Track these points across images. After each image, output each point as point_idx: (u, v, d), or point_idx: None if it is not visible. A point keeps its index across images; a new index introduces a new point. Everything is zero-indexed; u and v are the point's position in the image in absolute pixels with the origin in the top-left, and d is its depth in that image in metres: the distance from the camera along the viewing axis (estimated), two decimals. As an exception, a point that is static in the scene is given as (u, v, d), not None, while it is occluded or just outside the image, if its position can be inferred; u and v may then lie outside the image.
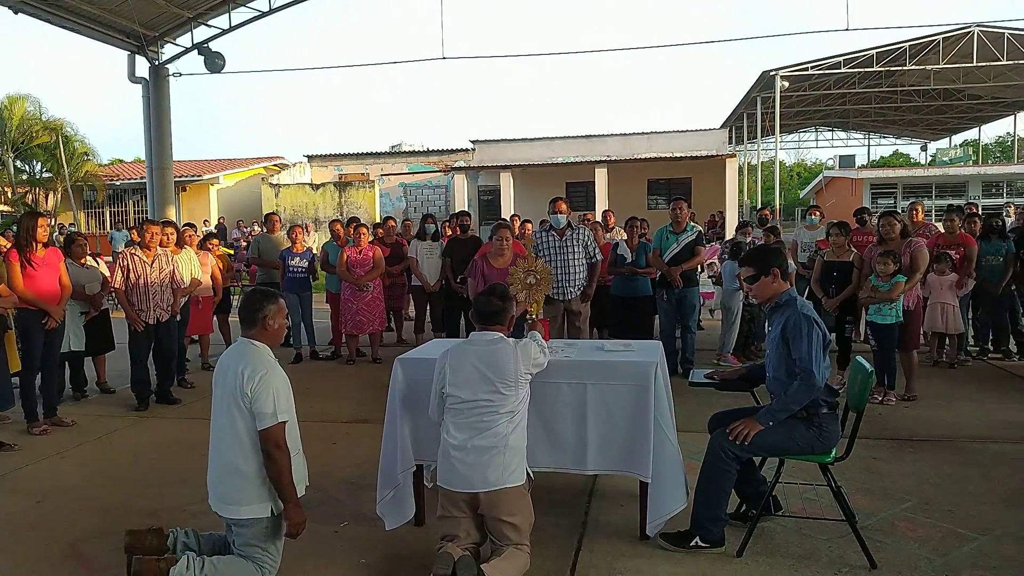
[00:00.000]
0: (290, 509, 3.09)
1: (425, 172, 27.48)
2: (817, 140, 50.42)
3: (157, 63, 16.22)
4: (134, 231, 14.02)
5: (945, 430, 5.36)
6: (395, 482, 3.77)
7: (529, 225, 9.99)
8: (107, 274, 7.07)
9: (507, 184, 23.92)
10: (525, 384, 3.26)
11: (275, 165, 28.13)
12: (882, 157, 55.93)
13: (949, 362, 7.36)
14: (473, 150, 26.54)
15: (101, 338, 7.13)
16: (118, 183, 25.27)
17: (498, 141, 26.21)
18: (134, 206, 25.16)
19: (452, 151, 27.54)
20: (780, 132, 28.74)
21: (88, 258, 6.96)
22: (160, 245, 6.71)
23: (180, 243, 7.40)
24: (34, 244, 5.80)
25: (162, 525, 3.39)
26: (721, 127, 29.07)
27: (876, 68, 25.51)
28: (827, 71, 26.60)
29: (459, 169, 24.90)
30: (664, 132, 25.60)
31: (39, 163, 23.74)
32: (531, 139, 26.00)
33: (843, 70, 26.04)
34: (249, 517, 3.11)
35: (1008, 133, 47.78)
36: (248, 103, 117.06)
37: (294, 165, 27.84)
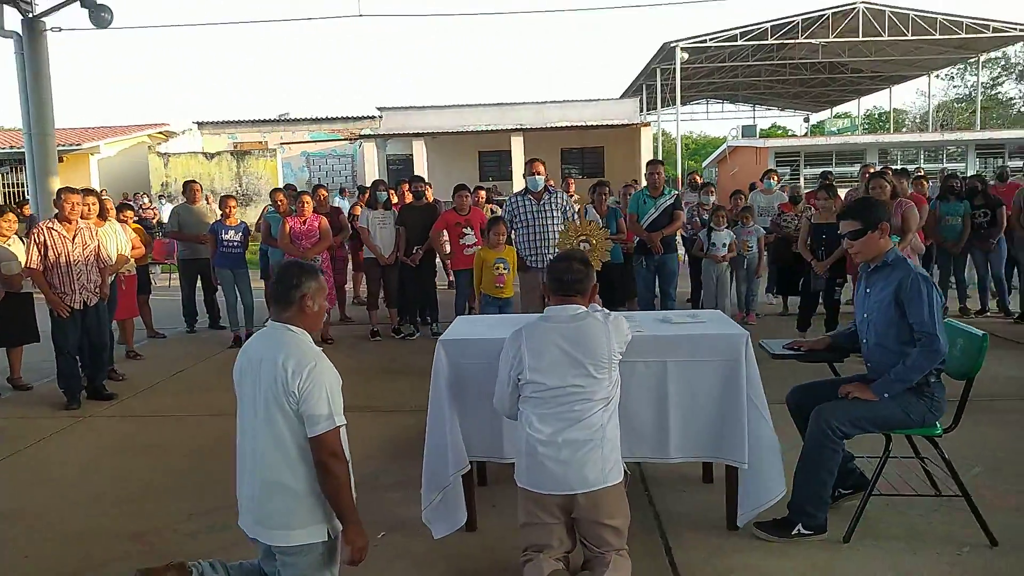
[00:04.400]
0: (351, 530, 2.50)
1: (329, 140, 26.14)
2: (708, 112, 52.02)
3: (31, 15, 14.31)
4: None
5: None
6: (444, 483, 3.25)
7: (482, 192, 9.41)
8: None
9: (420, 152, 23.12)
10: (617, 365, 2.81)
11: (161, 133, 25.88)
12: (762, 130, 58.34)
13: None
14: (380, 117, 25.48)
15: (20, 326, 6.09)
16: (-22, 153, 22.52)
17: (406, 108, 25.30)
18: (3, 178, 22.52)
19: (357, 118, 26.30)
20: (668, 104, 29.25)
21: (12, 236, 5.91)
22: (80, 217, 5.75)
23: (103, 215, 6.41)
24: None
25: (183, 559, 2.72)
26: (621, 97, 29.27)
27: (770, 40, 26.24)
28: (724, 43, 27.13)
29: (367, 137, 23.79)
30: (577, 101, 25.51)
31: None
32: (441, 106, 25.26)
33: (740, 42, 26.62)
34: (302, 543, 2.50)
35: (875, 106, 50.97)
36: (127, 65, 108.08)
37: (183, 133, 25.72)
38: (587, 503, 2.69)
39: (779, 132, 59.45)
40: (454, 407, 3.26)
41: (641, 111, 26.22)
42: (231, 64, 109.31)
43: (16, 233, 6.25)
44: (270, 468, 2.48)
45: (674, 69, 26.69)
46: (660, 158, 22.88)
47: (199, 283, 8.58)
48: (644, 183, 7.71)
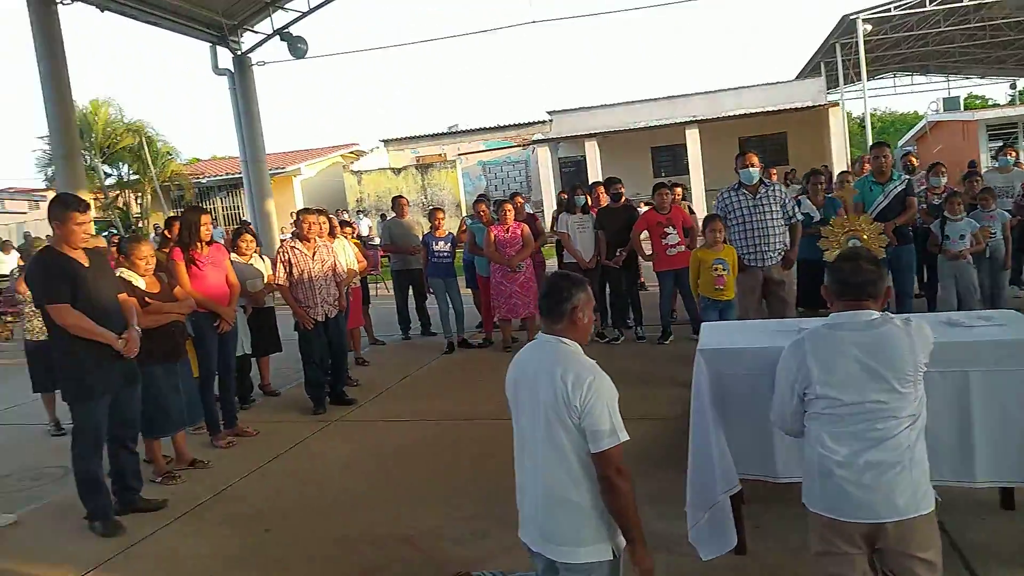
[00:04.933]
0: (637, 549, 2.43)
1: (503, 148, 26.77)
2: (896, 87, 47.74)
3: (240, 52, 15.86)
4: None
5: None
6: (712, 502, 3.12)
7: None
8: (270, 271, 6.63)
9: (592, 153, 23.04)
10: (922, 378, 2.53)
11: (352, 152, 27.83)
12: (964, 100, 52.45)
13: None
14: (551, 121, 25.71)
15: (268, 339, 6.70)
16: (204, 181, 25.33)
17: (576, 110, 25.34)
18: (221, 203, 25.19)
19: (529, 124, 26.73)
20: (859, 79, 26.90)
21: (253, 254, 6.53)
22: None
23: (332, 232, 6.90)
24: (199, 242, 5.35)
25: (465, 568, 2.81)
26: (797, 78, 27.45)
27: (965, 2, 23.51)
28: (911, 10, 24.64)
29: (540, 142, 24.08)
30: (753, 86, 24.28)
31: (126, 165, 23.91)
32: (611, 105, 25.05)
33: (929, 8, 24.06)
34: (590, 561, 2.47)
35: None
36: (314, 91, 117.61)
37: (371, 151, 27.48)
38: (896, 533, 2.44)
39: (978, 103, 53.36)
40: (719, 421, 3.12)
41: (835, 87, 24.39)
42: (409, 81, 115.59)
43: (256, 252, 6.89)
44: (554, 483, 2.48)
45: (856, 43, 24.76)
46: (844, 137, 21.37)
47: (410, 292, 9.03)
48: (837, 170, 7.03)
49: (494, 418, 5.58)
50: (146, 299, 4.54)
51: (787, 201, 6.02)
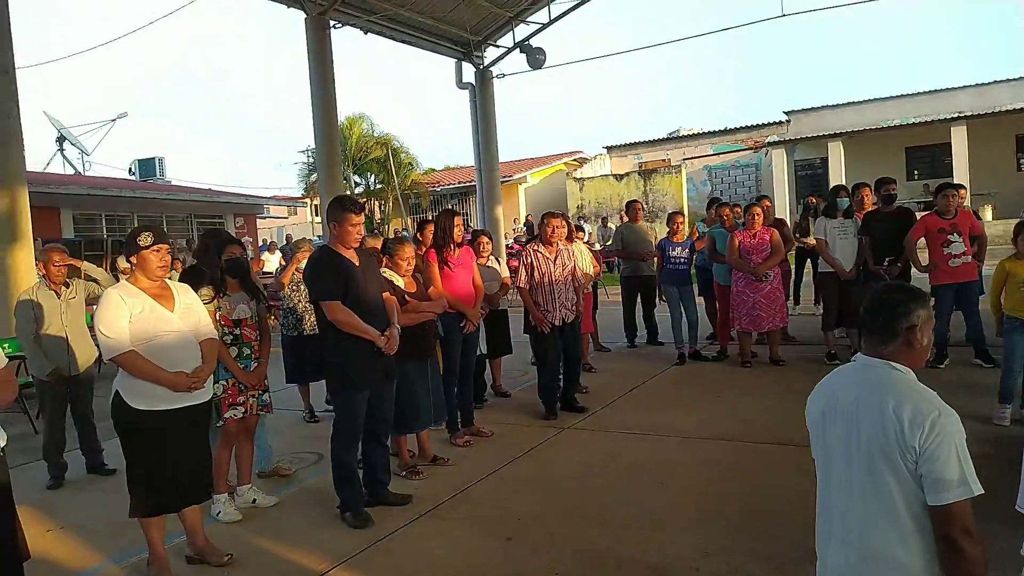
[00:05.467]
0: None
1: (732, 152, 25.53)
2: None
3: (482, 66, 16.54)
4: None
5: None
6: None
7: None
8: (505, 273, 6.69)
9: (836, 155, 21.23)
10: None
11: (575, 160, 28.12)
12: None
13: None
14: (788, 122, 24.07)
15: (501, 340, 6.76)
16: (438, 189, 26.97)
17: (818, 109, 23.49)
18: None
19: (762, 126, 25.25)
20: None
21: (489, 257, 6.62)
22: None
23: (570, 236, 6.80)
24: (451, 244, 5.46)
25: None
26: None
27: None
28: None
29: (775, 144, 22.61)
30: (1039, 75, 20.87)
31: (372, 175, 26.09)
32: (858, 102, 22.88)
33: None
34: None
35: None
36: (540, 100, 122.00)
37: (594, 158, 27.55)
38: None
39: None
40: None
41: None
42: (635, 86, 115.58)
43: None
44: (876, 538, 2.02)
45: None
46: None
47: (639, 299, 8.73)
48: None
49: (737, 439, 5.14)
50: (405, 298, 4.67)
51: None
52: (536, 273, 5.94)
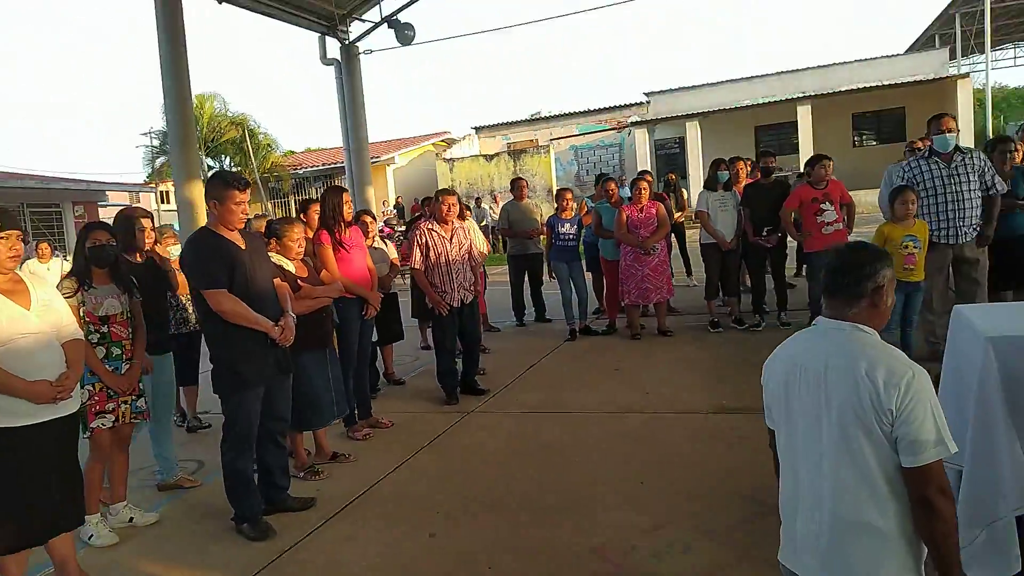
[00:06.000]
0: None
1: (596, 132, 26.11)
2: (1016, 59, 44.21)
3: (348, 42, 15.80)
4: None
5: None
6: (991, 519, 2.55)
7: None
8: (394, 254, 6.35)
9: (694, 134, 22.13)
10: None
11: (443, 140, 27.77)
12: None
13: None
14: (648, 103, 24.86)
15: (392, 326, 6.43)
16: (301, 172, 25.76)
17: (676, 90, 24.38)
18: (317, 193, 25.55)
19: (624, 107, 25.97)
20: (979, 52, 24.84)
21: (375, 237, 6.25)
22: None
23: (461, 215, 6.54)
24: (342, 223, 5.06)
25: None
26: (907, 52, 25.57)
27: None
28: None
29: (637, 124, 23.31)
30: (869, 59, 22.74)
31: (228, 158, 24.53)
32: (713, 83, 23.96)
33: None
34: None
35: None
36: (407, 79, 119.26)
37: (462, 138, 27.32)
38: None
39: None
40: (1011, 424, 2.54)
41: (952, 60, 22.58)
42: (501, 67, 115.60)
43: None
44: (850, 504, 1.95)
45: (976, 12, 22.86)
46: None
47: (526, 277, 8.63)
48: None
49: (644, 411, 5.14)
50: (298, 283, 4.26)
51: (986, 171, 5.27)
52: (432, 253, 5.66)
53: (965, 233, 5.26)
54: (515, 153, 24.31)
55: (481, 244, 6.76)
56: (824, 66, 22.74)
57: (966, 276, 5.40)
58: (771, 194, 7.05)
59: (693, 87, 24.07)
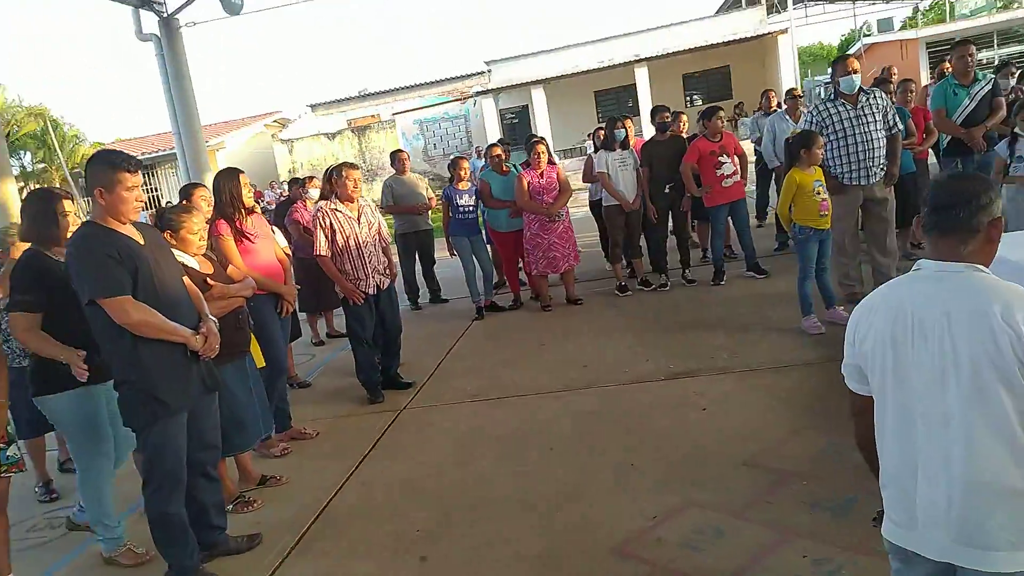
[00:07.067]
0: None
1: (441, 103, 25.51)
2: (808, 16, 48.38)
3: (166, 14, 14.14)
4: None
5: None
6: None
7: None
8: (283, 243, 5.60)
9: (540, 101, 22.21)
10: None
11: (276, 121, 26.02)
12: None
13: None
14: (489, 71, 24.59)
15: (292, 321, 5.69)
16: (118, 163, 23.11)
17: (516, 58, 24.25)
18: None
19: (466, 76, 25.56)
20: (774, 10, 26.87)
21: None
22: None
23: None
24: (242, 210, 4.32)
25: None
26: (717, 13, 27.19)
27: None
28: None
29: (482, 93, 23.01)
30: (691, 20, 23.75)
31: (28, 153, 21.55)
32: (551, 50, 24.06)
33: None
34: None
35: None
36: (231, 56, 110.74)
37: (298, 118, 25.76)
38: None
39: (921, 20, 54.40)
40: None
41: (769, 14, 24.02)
42: (332, 42, 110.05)
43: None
44: (987, 466, 1.72)
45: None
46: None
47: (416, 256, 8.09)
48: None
49: (594, 385, 4.83)
50: (207, 282, 3.52)
51: (888, 109, 5.41)
52: (339, 236, 5.01)
53: (874, 173, 5.39)
54: (359, 130, 23.29)
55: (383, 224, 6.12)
56: (653, 29, 23.50)
57: (875, 216, 5.56)
58: (669, 150, 6.97)
59: (532, 54, 24.06)
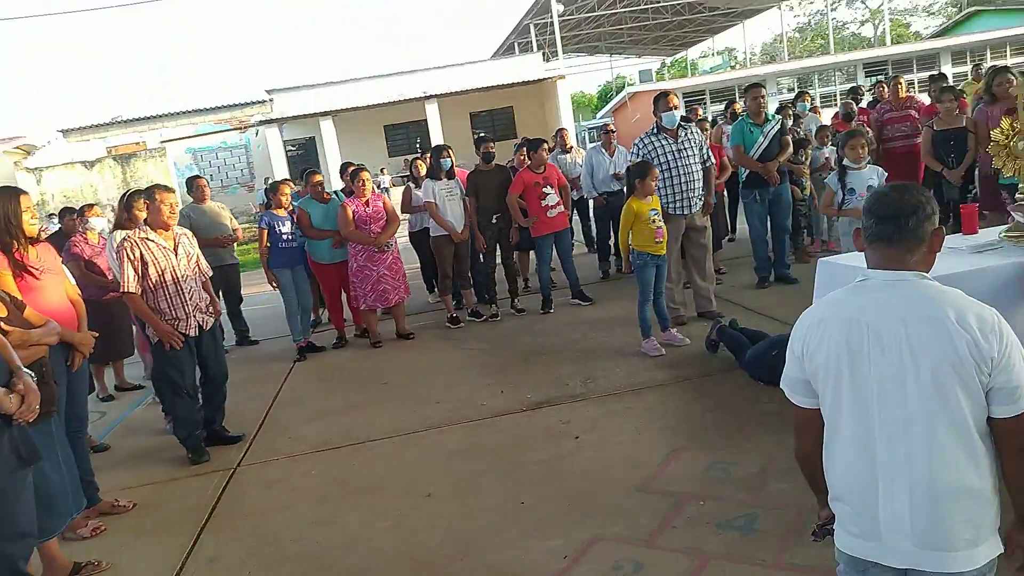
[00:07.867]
0: None
1: (217, 132, 23.82)
2: (571, 66, 52.51)
3: None
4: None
5: None
6: None
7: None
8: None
9: (329, 133, 21.52)
10: None
11: (19, 148, 22.63)
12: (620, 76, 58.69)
13: None
14: (271, 100, 23.42)
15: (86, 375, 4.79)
16: None
17: (299, 88, 23.35)
18: None
19: (245, 104, 24.14)
20: (545, 59, 29.11)
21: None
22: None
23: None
24: (22, 239, 3.52)
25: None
26: (493, 57, 28.66)
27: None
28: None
29: (266, 123, 21.83)
30: (479, 62, 24.60)
31: None
32: (338, 82, 23.52)
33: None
34: (984, 563, 1.85)
35: (726, 47, 52.45)
36: None
37: (46, 143, 22.62)
38: None
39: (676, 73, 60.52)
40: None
41: (547, 61, 25.59)
42: (90, 62, 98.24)
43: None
44: (948, 469, 1.78)
45: (549, 22, 26.51)
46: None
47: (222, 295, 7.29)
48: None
49: (456, 423, 4.56)
50: (1, 327, 2.78)
51: (704, 144, 5.82)
52: (153, 270, 4.30)
53: (694, 203, 5.76)
54: (122, 158, 20.94)
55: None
56: (443, 67, 23.92)
57: (695, 243, 5.93)
58: (494, 180, 6.96)
59: (319, 85, 23.34)
